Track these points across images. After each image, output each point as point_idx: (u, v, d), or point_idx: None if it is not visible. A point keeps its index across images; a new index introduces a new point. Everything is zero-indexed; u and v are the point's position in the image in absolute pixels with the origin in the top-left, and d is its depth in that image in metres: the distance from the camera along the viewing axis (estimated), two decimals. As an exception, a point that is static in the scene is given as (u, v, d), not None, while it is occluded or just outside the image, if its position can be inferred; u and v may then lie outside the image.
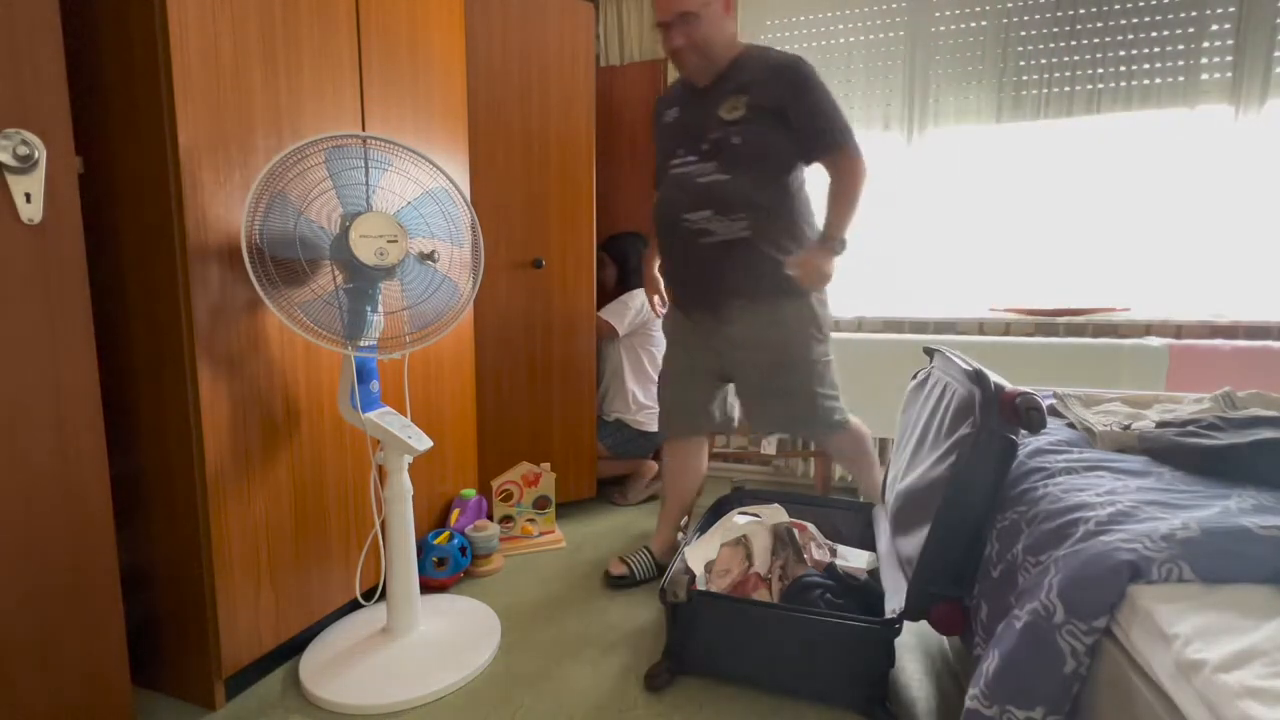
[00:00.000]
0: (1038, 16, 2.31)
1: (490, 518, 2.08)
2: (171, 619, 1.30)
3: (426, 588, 1.68)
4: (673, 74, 2.62)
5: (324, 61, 1.44)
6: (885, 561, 1.43)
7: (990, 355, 2.23)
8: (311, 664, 1.40)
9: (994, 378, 1.09)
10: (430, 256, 1.38)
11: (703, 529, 1.70)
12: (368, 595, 1.58)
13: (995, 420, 1.05)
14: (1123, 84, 2.25)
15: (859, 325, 2.62)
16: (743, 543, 1.52)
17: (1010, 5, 2.33)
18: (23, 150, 0.95)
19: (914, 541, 1.20)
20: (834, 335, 2.45)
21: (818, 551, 1.51)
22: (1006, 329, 2.43)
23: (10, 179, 0.95)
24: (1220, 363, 2.04)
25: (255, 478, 1.32)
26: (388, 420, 1.40)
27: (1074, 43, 2.28)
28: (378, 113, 1.60)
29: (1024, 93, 2.35)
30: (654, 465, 2.54)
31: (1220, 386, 1.31)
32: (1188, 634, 0.66)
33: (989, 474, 1.07)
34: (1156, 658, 0.69)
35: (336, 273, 1.30)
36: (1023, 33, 2.33)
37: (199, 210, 1.19)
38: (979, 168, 2.45)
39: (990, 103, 2.39)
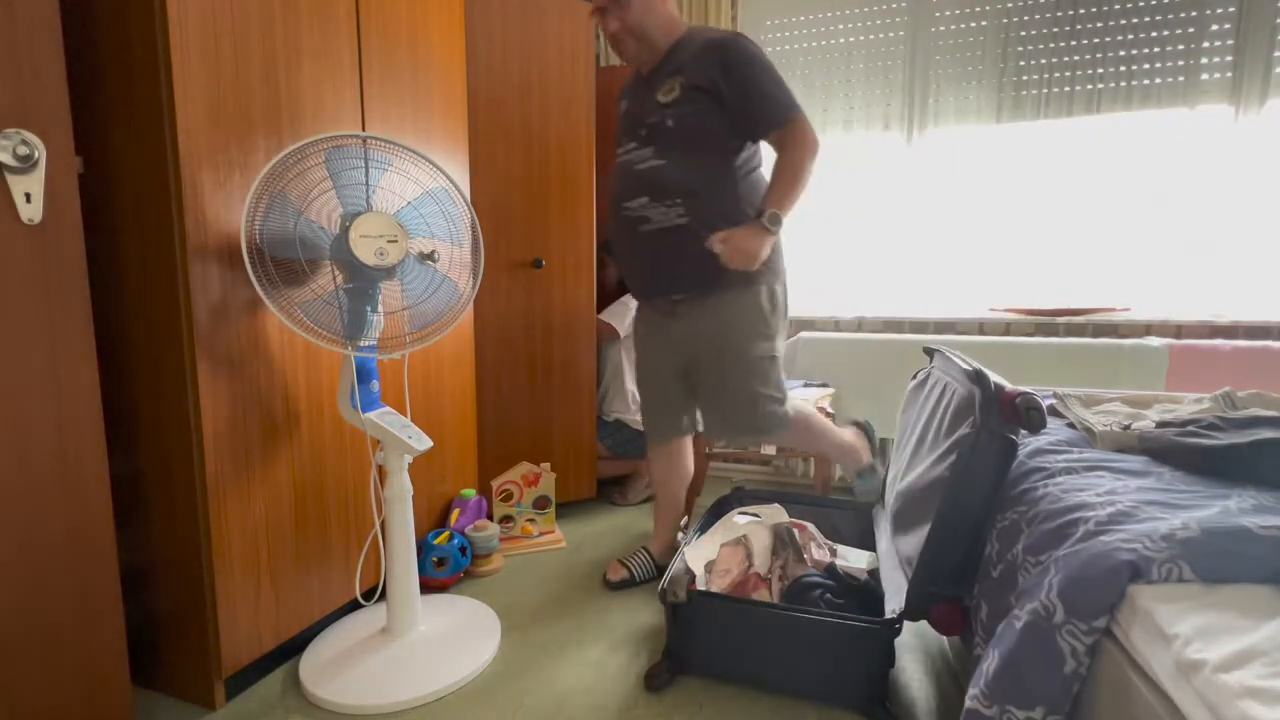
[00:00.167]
0: (1038, 16, 2.31)
1: (490, 518, 2.08)
2: (171, 619, 1.30)
3: (426, 588, 1.68)
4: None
5: (324, 61, 1.44)
6: (885, 561, 1.43)
7: (990, 355, 2.23)
8: (311, 664, 1.40)
9: (994, 378, 1.09)
10: (430, 256, 1.38)
11: (703, 529, 1.70)
12: (368, 595, 1.58)
13: (995, 420, 1.05)
14: (1123, 84, 2.25)
15: (859, 325, 2.62)
16: (743, 543, 1.52)
17: (1010, 5, 2.33)
18: (23, 150, 0.95)
19: (914, 541, 1.20)
20: (834, 335, 2.48)
21: (818, 551, 1.51)
22: (1006, 329, 2.43)
23: (10, 179, 0.95)
24: (1220, 363, 2.04)
25: (255, 478, 1.32)
26: (388, 420, 1.40)
27: (1074, 43, 2.28)
28: (378, 113, 1.60)
29: (1024, 93, 2.35)
30: (654, 465, 2.54)
31: (1220, 386, 1.31)
32: (1188, 634, 0.66)
33: (989, 474, 1.07)
34: (1156, 658, 0.69)
35: (336, 273, 1.30)
36: (1023, 33, 2.33)
37: (199, 210, 1.19)
38: (979, 168, 2.45)
39: (990, 103, 2.39)
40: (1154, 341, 2.13)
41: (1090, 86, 2.29)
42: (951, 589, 1.13)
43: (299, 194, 1.23)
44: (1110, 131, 2.29)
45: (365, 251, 1.25)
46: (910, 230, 2.56)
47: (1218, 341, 2.10)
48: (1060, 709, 0.79)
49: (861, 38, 2.52)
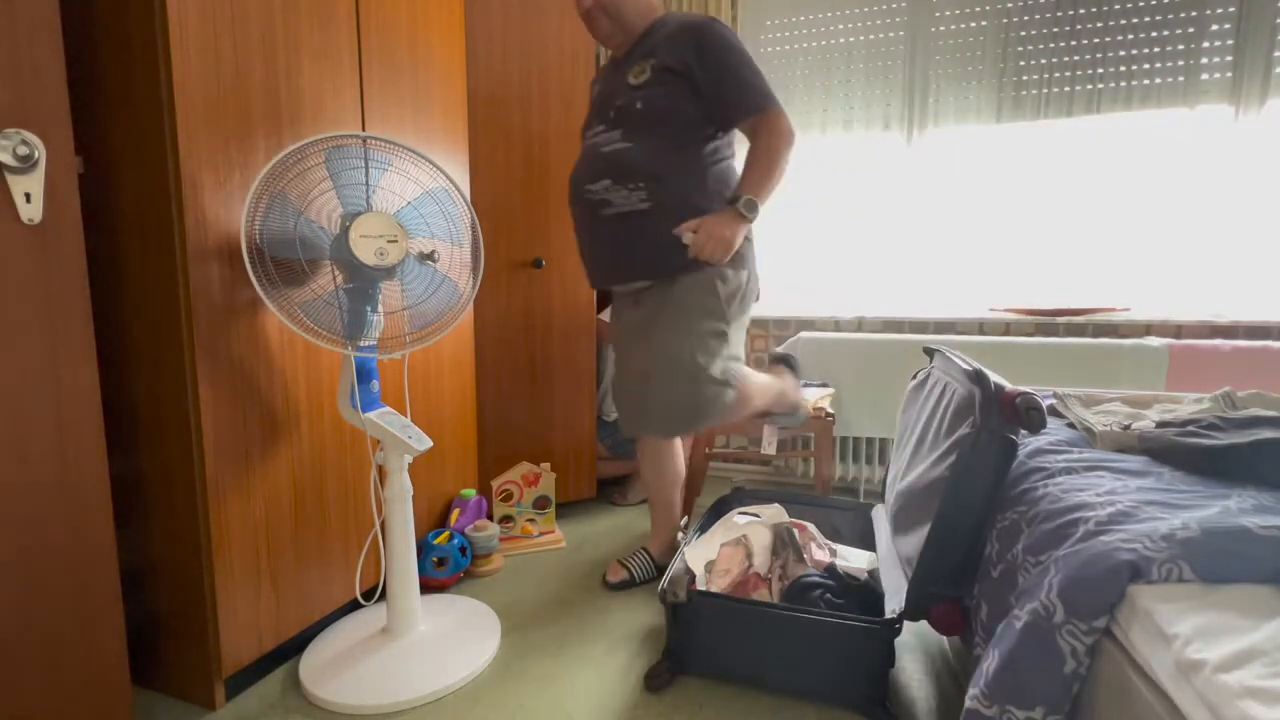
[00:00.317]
0: (1038, 16, 2.31)
1: (490, 518, 2.08)
2: (171, 619, 1.30)
3: (426, 588, 1.68)
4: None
5: (324, 61, 1.44)
6: (885, 561, 1.43)
7: (990, 355, 2.24)
8: (311, 664, 1.40)
9: (994, 378, 1.09)
10: (430, 256, 1.38)
11: (703, 529, 1.70)
12: (368, 595, 1.58)
13: (995, 420, 1.05)
14: (1123, 84, 2.25)
15: (859, 325, 2.62)
16: (743, 543, 1.52)
17: (1010, 5, 2.33)
18: (23, 150, 0.95)
19: (914, 541, 1.20)
20: (834, 335, 2.48)
21: (818, 551, 1.51)
22: (1006, 329, 2.43)
23: (10, 179, 0.95)
24: (1220, 363, 2.04)
25: (255, 478, 1.32)
26: (388, 420, 1.40)
27: (1074, 43, 2.28)
28: (378, 113, 1.60)
29: (1024, 93, 2.35)
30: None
31: (1220, 386, 1.31)
32: (1188, 634, 0.66)
33: (989, 474, 1.07)
34: (1156, 658, 0.69)
35: (336, 273, 1.30)
36: (1023, 33, 2.33)
37: (199, 210, 1.19)
38: (979, 168, 2.45)
39: (990, 103, 2.39)
40: (1154, 341, 2.14)
41: (1090, 86, 2.29)
42: (951, 589, 1.13)
43: (299, 194, 1.23)
44: (1110, 131, 2.29)
45: (365, 251, 1.25)
46: (910, 230, 2.56)
47: (1218, 341, 2.10)
48: (1060, 709, 0.79)
49: (861, 38, 2.52)
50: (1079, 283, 2.40)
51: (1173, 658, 0.66)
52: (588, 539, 2.13)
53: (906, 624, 1.44)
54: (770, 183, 1.46)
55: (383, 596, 1.50)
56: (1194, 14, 2.16)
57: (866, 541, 1.71)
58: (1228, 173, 2.18)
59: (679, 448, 1.85)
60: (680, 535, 1.88)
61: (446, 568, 1.74)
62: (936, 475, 1.16)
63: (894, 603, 1.24)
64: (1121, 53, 2.24)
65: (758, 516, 1.63)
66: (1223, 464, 1.02)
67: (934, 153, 2.49)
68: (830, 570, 1.43)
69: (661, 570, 1.81)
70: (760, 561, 1.47)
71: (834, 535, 1.79)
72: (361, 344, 1.33)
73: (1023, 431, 1.05)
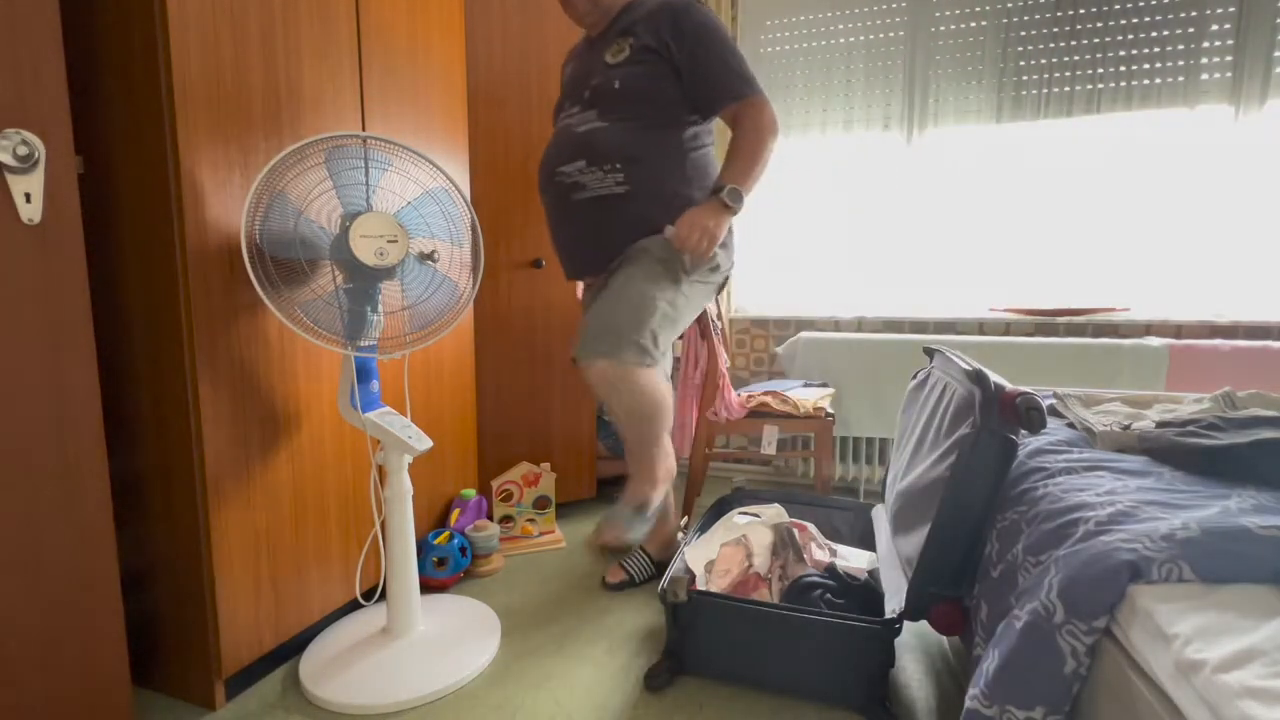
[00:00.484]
0: (1038, 16, 2.31)
1: (490, 518, 2.08)
2: (171, 619, 1.30)
3: (426, 588, 1.68)
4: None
5: (324, 61, 1.44)
6: (885, 561, 1.43)
7: (990, 355, 2.24)
8: (311, 664, 1.40)
9: (994, 378, 1.09)
10: (430, 256, 1.38)
11: (703, 529, 1.70)
12: (368, 595, 1.58)
13: (995, 420, 1.05)
14: (1123, 84, 2.25)
15: (859, 325, 2.62)
16: (743, 543, 1.52)
17: (1010, 5, 2.33)
18: (23, 150, 0.95)
19: (914, 541, 1.20)
20: (834, 335, 2.48)
21: (818, 551, 1.51)
22: (1006, 329, 2.44)
23: (10, 179, 0.95)
24: (1220, 363, 2.05)
25: (255, 478, 1.32)
26: (388, 420, 1.40)
27: (1074, 43, 2.28)
28: (378, 113, 1.60)
29: (1024, 93, 2.36)
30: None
31: (1220, 386, 1.31)
32: (1188, 634, 0.66)
33: (989, 474, 1.07)
34: (1156, 658, 0.69)
35: (336, 273, 1.30)
36: (1023, 33, 2.33)
37: (199, 210, 1.19)
38: (979, 168, 2.45)
39: (990, 103, 2.40)
40: (1154, 341, 2.14)
41: (1090, 86, 2.29)
42: (951, 589, 1.13)
43: (299, 194, 1.23)
44: (1110, 131, 2.29)
45: (365, 251, 1.25)
46: (910, 230, 2.56)
47: (1218, 341, 2.10)
48: (1060, 709, 0.79)
49: (861, 38, 2.52)
50: (1079, 283, 2.40)
51: (1173, 658, 0.66)
52: (588, 539, 2.13)
53: (906, 624, 1.44)
54: (754, 173, 1.38)
55: (383, 597, 1.50)
56: (1194, 14, 2.16)
57: (866, 541, 1.71)
58: (1228, 173, 2.18)
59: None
60: (680, 535, 1.88)
61: (446, 568, 1.74)
62: (936, 475, 1.16)
63: (894, 603, 1.24)
64: (1121, 53, 2.24)
65: (758, 516, 1.63)
66: (1223, 464, 1.02)
67: (934, 153, 2.49)
68: (830, 570, 1.43)
69: (660, 568, 1.81)
70: (760, 561, 1.47)
71: (834, 535, 1.79)
72: (361, 344, 1.33)
73: (1023, 431, 1.05)
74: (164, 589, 1.30)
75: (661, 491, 1.48)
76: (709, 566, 1.50)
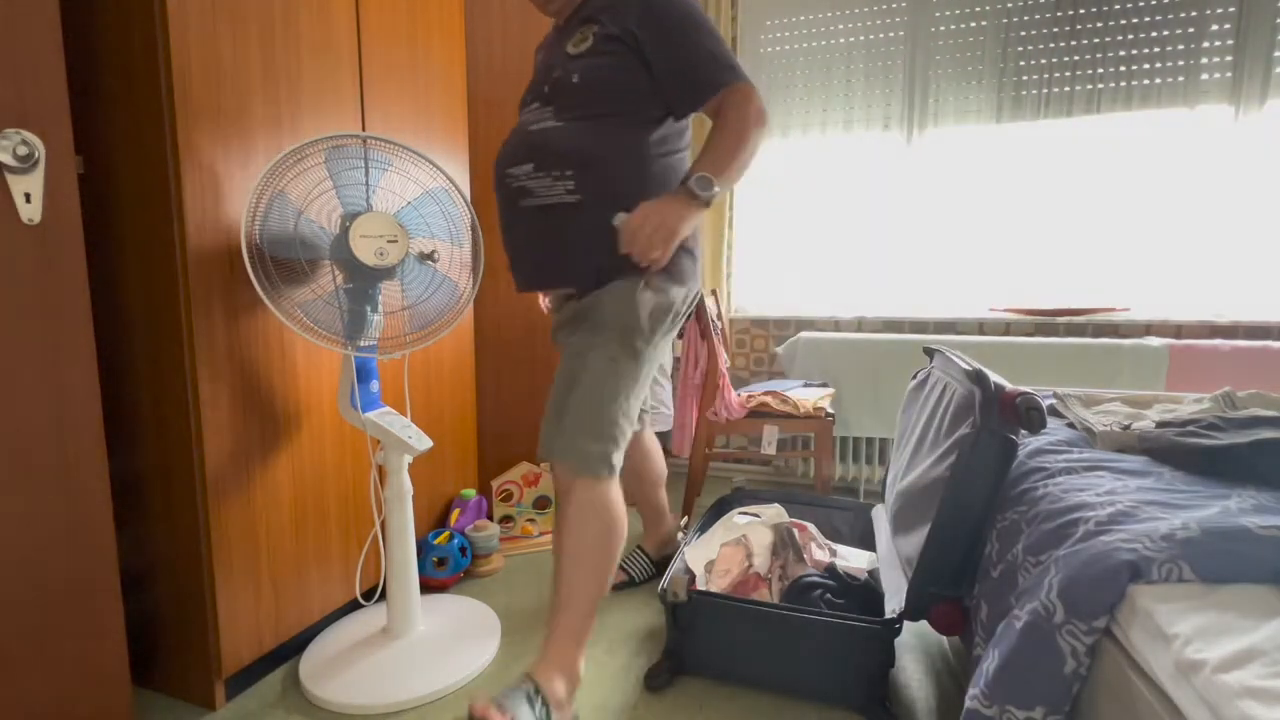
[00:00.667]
0: (1038, 16, 2.31)
1: (490, 518, 2.08)
2: (171, 619, 1.30)
3: (426, 588, 1.68)
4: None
5: (324, 61, 1.44)
6: (885, 561, 1.43)
7: (990, 355, 2.24)
8: (311, 664, 1.40)
9: (994, 378, 1.09)
10: (430, 256, 1.38)
11: (703, 529, 1.70)
12: (368, 595, 1.58)
13: (995, 420, 1.05)
14: (1123, 84, 2.25)
15: (859, 325, 2.62)
16: (743, 543, 1.52)
17: (1010, 5, 2.33)
18: (23, 150, 0.95)
19: (914, 541, 1.20)
20: (834, 335, 2.48)
21: (818, 551, 1.51)
22: (1006, 329, 2.44)
23: (10, 179, 0.95)
24: (1220, 363, 2.05)
25: (255, 478, 1.32)
26: (388, 420, 1.40)
27: (1074, 43, 2.28)
28: (378, 113, 1.60)
29: (1024, 93, 2.36)
30: (654, 465, 2.54)
31: (1220, 386, 1.31)
32: (1188, 634, 0.67)
33: (989, 474, 1.07)
34: (1156, 658, 0.69)
35: (336, 273, 1.30)
36: (1023, 33, 2.33)
37: (199, 210, 1.19)
38: (979, 168, 2.45)
39: (990, 103, 2.40)
40: (1154, 341, 2.14)
41: (1090, 86, 2.29)
42: (951, 589, 1.13)
43: (299, 194, 1.23)
44: (1110, 131, 2.29)
45: (365, 251, 1.25)
46: (910, 230, 2.56)
47: (1218, 341, 2.10)
48: (1060, 709, 0.79)
49: (861, 38, 2.52)
50: (1079, 283, 2.40)
51: (1173, 658, 0.66)
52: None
53: (906, 624, 1.44)
54: (734, 165, 1.17)
55: (383, 596, 1.50)
56: (1194, 14, 2.16)
57: (866, 541, 1.71)
58: (1228, 173, 2.18)
59: (652, 445, 1.72)
60: (680, 535, 1.88)
61: (446, 568, 1.74)
62: (936, 475, 1.16)
63: (894, 603, 1.24)
64: (1121, 53, 2.24)
65: (758, 516, 1.63)
66: (1223, 464, 1.02)
67: (934, 153, 2.49)
68: (830, 570, 1.43)
69: (659, 567, 1.81)
70: (760, 561, 1.47)
71: (834, 535, 1.79)
72: (361, 344, 1.33)
73: (1023, 431, 1.05)
74: (164, 589, 1.30)
75: (574, 687, 1.20)
76: (709, 566, 1.51)
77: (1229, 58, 2.15)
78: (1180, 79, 2.20)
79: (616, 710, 1.29)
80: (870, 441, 2.56)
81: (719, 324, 2.36)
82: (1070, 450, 1.18)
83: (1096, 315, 2.33)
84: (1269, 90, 2.12)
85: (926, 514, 1.15)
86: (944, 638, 1.53)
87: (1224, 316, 2.23)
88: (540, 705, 1.12)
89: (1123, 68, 2.24)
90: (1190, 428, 1.12)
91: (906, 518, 1.29)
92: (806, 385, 2.34)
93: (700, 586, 1.44)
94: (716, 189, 1.14)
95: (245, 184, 1.27)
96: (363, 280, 1.30)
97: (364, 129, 1.55)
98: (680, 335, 2.20)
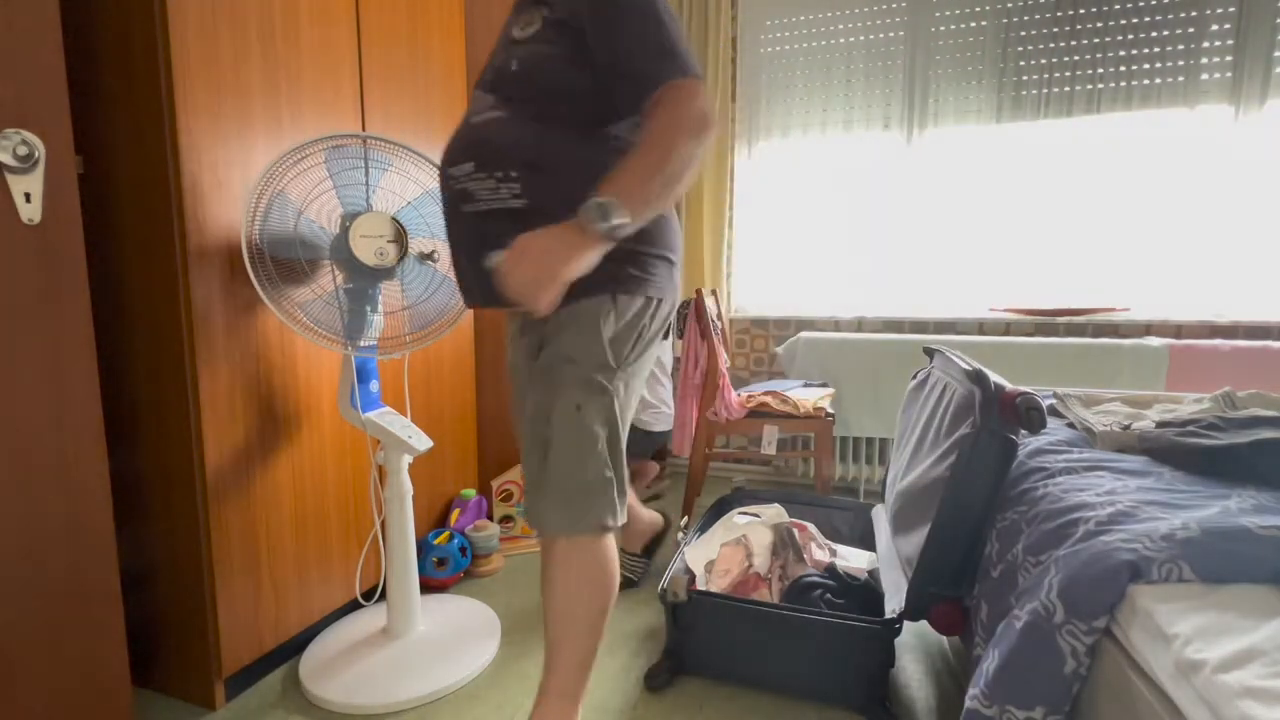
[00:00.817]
0: (1038, 16, 2.31)
1: (490, 518, 2.08)
2: (171, 619, 1.30)
3: (426, 588, 1.68)
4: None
5: (324, 61, 1.44)
6: (885, 561, 1.43)
7: (990, 355, 2.24)
8: (311, 664, 1.40)
9: (994, 378, 1.09)
10: (430, 256, 1.38)
11: (703, 529, 1.70)
12: (368, 595, 1.58)
13: (995, 420, 1.05)
14: (1123, 84, 2.25)
15: (859, 325, 2.62)
16: (743, 543, 1.52)
17: (1010, 5, 2.33)
18: (23, 150, 0.95)
19: (914, 541, 1.20)
20: (834, 335, 2.48)
21: (818, 551, 1.51)
22: (1006, 329, 2.44)
23: (10, 179, 0.95)
24: (1220, 363, 2.05)
25: (255, 478, 1.32)
26: (388, 420, 1.40)
27: (1074, 43, 2.28)
28: (378, 113, 1.60)
29: (1024, 93, 2.36)
30: (655, 465, 2.54)
31: (1220, 386, 1.31)
32: (1188, 634, 0.66)
33: (989, 474, 1.07)
34: (1156, 658, 0.69)
35: (336, 273, 1.30)
36: (1023, 33, 2.33)
37: (199, 210, 1.19)
38: (979, 168, 2.45)
39: (990, 103, 2.40)
40: (1154, 341, 2.14)
41: (1090, 86, 2.29)
42: (951, 589, 1.13)
43: (299, 194, 1.23)
44: (1110, 131, 2.29)
45: (365, 251, 1.25)
46: (910, 230, 2.56)
47: (1218, 341, 2.10)
48: (1060, 709, 0.79)
49: (861, 38, 2.52)
50: (1079, 283, 2.40)
51: (1173, 658, 0.66)
52: None
53: (906, 624, 1.44)
54: (654, 182, 0.92)
55: (383, 596, 1.50)
56: (1194, 14, 2.16)
57: (866, 541, 1.71)
58: (1228, 173, 2.18)
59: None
60: (680, 535, 1.88)
61: (446, 568, 1.74)
62: (936, 475, 1.16)
63: (894, 603, 1.24)
64: (1121, 53, 2.24)
65: (758, 516, 1.63)
66: (1223, 464, 1.02)
67: (934, 153, 2.49)
68: (830, 570, 1.43)
69: (650, 552, 1.80)
70: (760, 561, 1.47)
71: (834, 535, 1.79)
72: (361, 344, 1.33)
73: (1023, 431, 1.05)
74: (164, 589, 1.30)
75: (572, 692, 1.10)
76: (709, 566, 1.51)
77: (1229, 58, 2.15)
78: (1180, 79, 2.20)
79: (616, 710, 1.29)
80: (870, 441, 2.56)
81: (719, 324, 2.36)
82: (1070, 450, 1.18)
83: (1096, 315, 2.33)
84: (1269, 90, 2.12)
85: (926, 514, 1.15)
86: (944, 638, 1.53)
87: (1224, 316, 2.23)
88: None
89: (1123, 68, 2.24)
90: (1190, 428, 1.12)
91: (906, 518, 1.29)
92: (806, 385, 2.34)
93: (700, 586, 1.44)
94: (617, 220, 0.88)
95: (245, 184, 1.27)
96: (363, 280, 1.30)
97: (364, 129, 1.55)
98: (680, 335, 2.20)
